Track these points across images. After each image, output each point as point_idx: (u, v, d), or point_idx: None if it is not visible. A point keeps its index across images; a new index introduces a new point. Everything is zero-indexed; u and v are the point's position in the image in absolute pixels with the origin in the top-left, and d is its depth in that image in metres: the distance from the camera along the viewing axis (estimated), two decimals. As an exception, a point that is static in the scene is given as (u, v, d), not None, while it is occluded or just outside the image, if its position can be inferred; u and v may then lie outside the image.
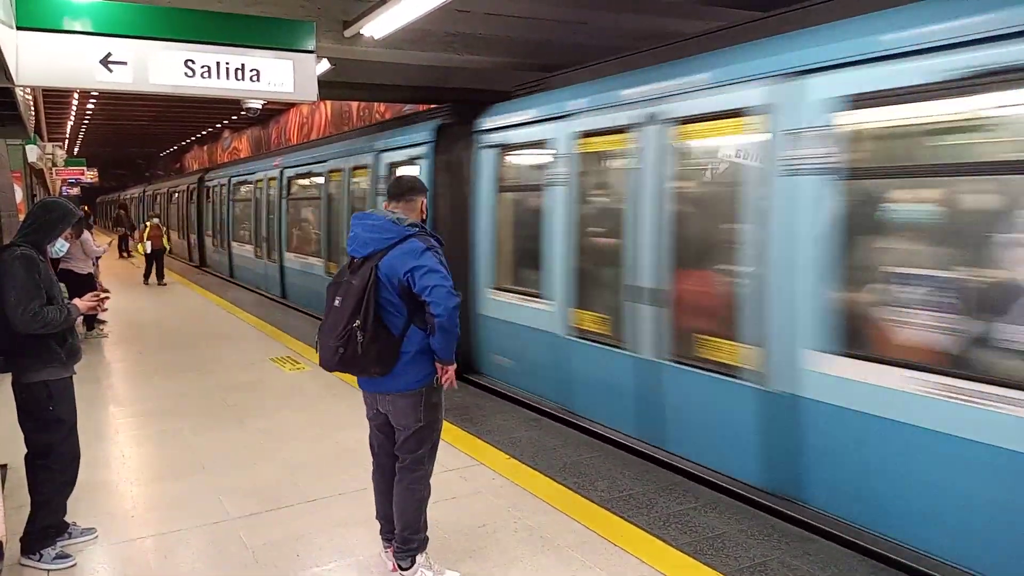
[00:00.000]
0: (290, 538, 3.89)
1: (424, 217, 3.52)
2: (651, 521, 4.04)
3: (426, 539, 3.47)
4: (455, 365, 3.37)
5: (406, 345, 3.26)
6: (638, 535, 3.88)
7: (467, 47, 9.22)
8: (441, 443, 5.21)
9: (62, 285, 4.19)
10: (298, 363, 7.98)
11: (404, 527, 3.40)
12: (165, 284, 15.45)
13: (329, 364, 3.28)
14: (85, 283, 9.35)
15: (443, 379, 3.36)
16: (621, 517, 4.09)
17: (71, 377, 3.77)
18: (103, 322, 10.06)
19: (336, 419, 5.97)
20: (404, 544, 3.40)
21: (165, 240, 15.99)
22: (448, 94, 12.10)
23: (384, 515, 3.57)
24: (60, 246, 3.99)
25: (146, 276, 15.48)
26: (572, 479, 4.62)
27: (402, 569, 3.42)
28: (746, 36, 4.83)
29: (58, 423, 3.69)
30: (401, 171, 8.61)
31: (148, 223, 15.93)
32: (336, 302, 3.26)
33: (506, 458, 4.99)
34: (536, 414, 6.08)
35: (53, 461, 3.70)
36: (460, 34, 9.06)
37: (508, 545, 3.80)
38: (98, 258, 9.93)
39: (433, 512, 4.10)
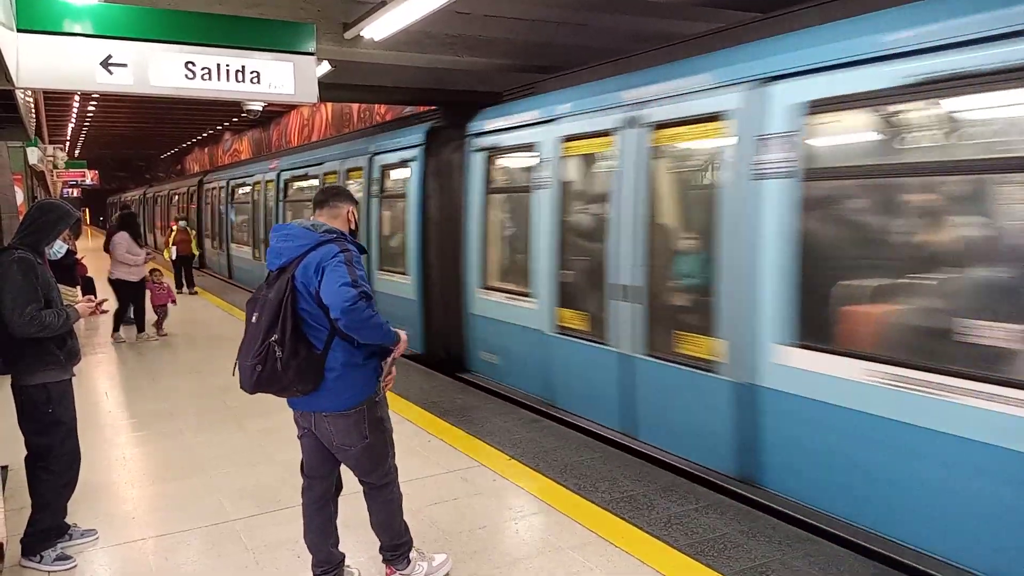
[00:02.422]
0: (290, 540, 3.88)
1: (353, 227, 3.32)
2: (652, 522, 4.03)
3: (410, 537, 3.46)
4: (398, 343, 3.20)
5: (331, 361, 3.06)
6: (639, 536, 3.88)
7: (468, 49, 9.22)
8: (442, 444, 5.27)
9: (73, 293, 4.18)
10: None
11: (390, 537, 3.37)
12: (196, 292, 14.44)
13: (247, 385, 3.08)
14: (137, 290, 9.29)
15: (387, 375, 3.23)
16: (622, 518, 4.08)
17: (70, 379, 3.77)
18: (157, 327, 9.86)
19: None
20: (394, 551, 3.38)
21: (194, 246, 14.80)
22: (449, 96, 12.08)
23: (315, 545, 3.35)
24: (58, 247, 3.99)
25: (178, 285, 14.29)
26: (573, 480, 4.62)
27: (401, 572, 3.41)
28: (721, 44, 5.04)
29: (57, 425, 3.69)
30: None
31: (174, 227, 14.66)
32: (252, 318, 3.08)
33: (506, 459, 4.99)
34: (536, 415, 6.08)
35: (53, 463, 3.70)
36: (461, 36, 9.07)
37: (509, 546, 3.80)
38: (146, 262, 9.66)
39: (434, 513, 4.12)
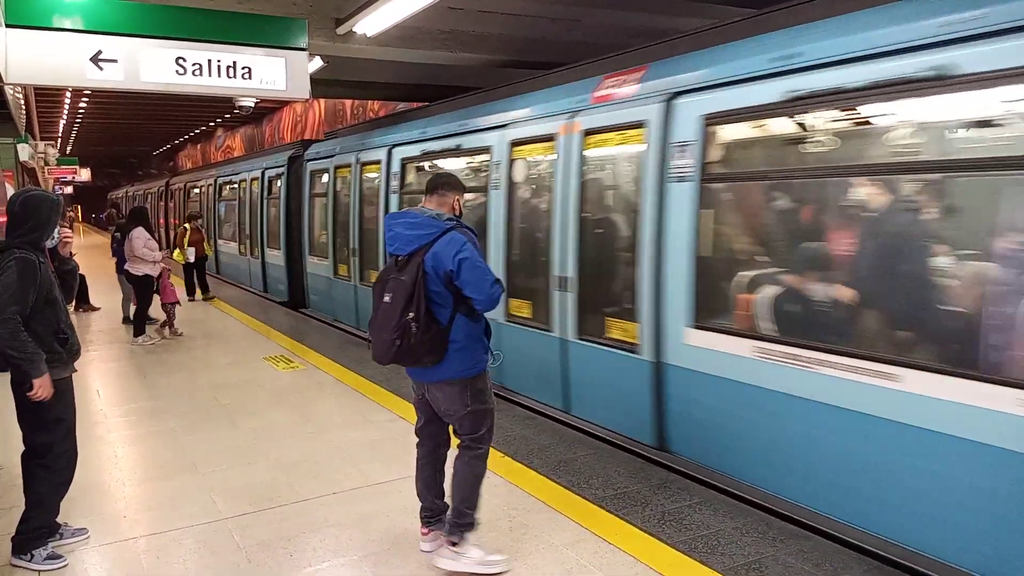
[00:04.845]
0: (283, 538, 3.86)
1: (458, 214, 3.66)
2: (645, 519, 4.03)
3: (477, 521, 3.59)
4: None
5: (454, 333, 3.41)
6: (633, 533, 3.87)
7: (461, 45, 9.22)
8: (435, 442, 5.26)
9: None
10: (292, 362, 7.96)
11: (461, 500, 3.53)
12: (212, 297, 12.92)
13: (384, 357, 3.44)
14: (145, 285, 9.17)
15: None
16: (615, 515, 4.08)
17: (71, 376, 3.75)
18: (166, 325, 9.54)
19: (329, 418, 5.94)
20: (459, 517, 3.53)
21: (207, 246, 13.27)
22: (443, 92, 12.07)
23: (423, 494, 3.72)
24: (57, 235, 3.98)
25: (190, 290, 12.92)
26: (566, 477, 4.61)
27: (452, 544, 3.51)
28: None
29: (58, 423, 3.66)
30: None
31: (187, 226, 12.84)
32: (386, 298, 3.42)
33: (500, 456, 4.98)
34: (530, 412, 6.07)
35: (52, 461, 3.67)
36: (453, 32, 9.06)
37: (503, 543, 3.78)
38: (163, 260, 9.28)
39: (427, 511, 4.10)
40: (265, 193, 13.74)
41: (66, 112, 27.16)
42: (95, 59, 5.46)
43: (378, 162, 9.03)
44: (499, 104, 7.06)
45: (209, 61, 5.69)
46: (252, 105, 6.69)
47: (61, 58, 5.38)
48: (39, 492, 3.67)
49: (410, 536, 3.83)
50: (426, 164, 8.24)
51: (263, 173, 13.87)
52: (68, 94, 22.35)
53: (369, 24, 7.56)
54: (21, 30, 5.23)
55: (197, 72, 5.67)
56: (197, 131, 38.68)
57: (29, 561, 3.61)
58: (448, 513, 3.62)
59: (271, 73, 5.95)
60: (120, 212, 22.01)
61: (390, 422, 5.80)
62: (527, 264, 6.52)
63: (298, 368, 7.70)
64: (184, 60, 5.64)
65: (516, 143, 6.32)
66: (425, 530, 3.69)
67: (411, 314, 3.32)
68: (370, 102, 21.15)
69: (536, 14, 8.84)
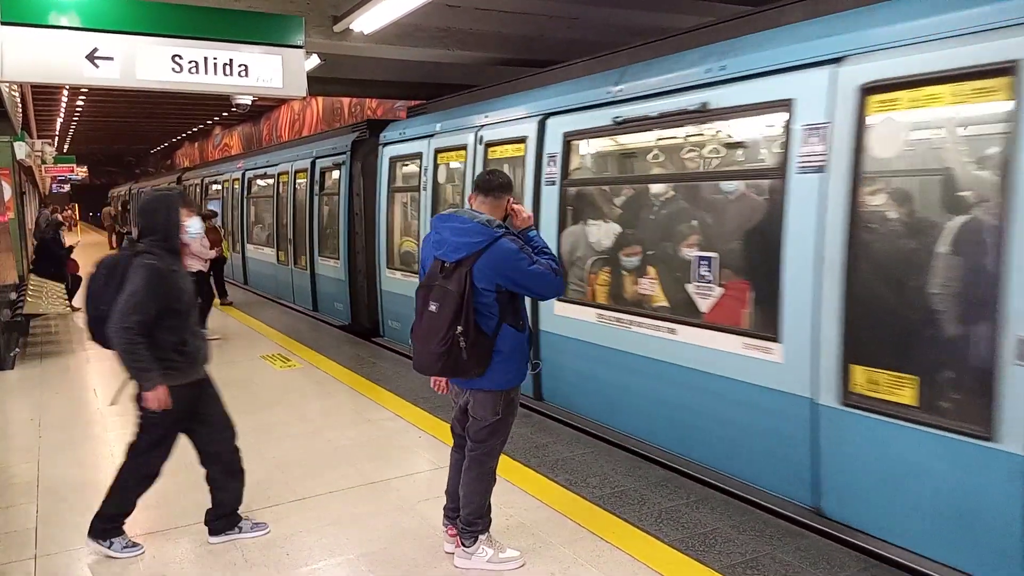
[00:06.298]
0: (280, 537, 3.86)
1: (508, 213, 3.53)
2: (642, 517, 4.03)
3: (489, 521, 3.59)
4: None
5: (499, 344, 3.33)
6: (630, 531, 3.87)
7: (459, 43, 9.19)
8: (432, 439, 5.27)
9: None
10: (288, 360, 7.94)
11: (469, 512, 3.52)
12: (231, 302, 12.04)
13: (429, 370, 3.38)
14: (197, 282, 9.05)
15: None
16: (612, 514, 4.07)
17: (187, 385, 3.71)
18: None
19: (326, 417, 5.93)
20: (468, 526, 3.53)
21: (226, 248, 12.24)
22: (441, 90, 12.04)
23: (452, 494, 3.67)
24: (194, 228, 3.97)
25: (221, 296, 11.87)
26: (563, 476, 4.61)
27: (465, 547, 3.53)
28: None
29: (153, 427, 3.69)
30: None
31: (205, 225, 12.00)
32: (432, 307, 3.28)
33: (498, 455, 4.97)
34: (527, 411, 6.06)
35: (139, 456, 3.73)
36: (451, 29, 9.03)
37: (500, 542, 3.78)
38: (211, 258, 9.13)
39: (425, 509, 4.11)
40: (316, 188, 11.28)
41: (63, 110, 27.08)
42: (91, 56, 5.43)
43: (519, 140, 6.40)
44: (808, 27, 4.15)
45: (205, 59, 5.66)
46: (249, 103, 6.65)
47: (57, 55, 5.35)
48: (119, 480, 3.72)
49: (407, 535, 3.83)
50: (621, 140, 5.78)
51: (313, 163, 11.39)
52: (65, 92, 22.27)
53: (366, 22, 7.54)
54: (17, 27, 5.21)
55: (193, 70, 5.64)
56: (195, 129, 38.62)
57: (108, 547, 3.66)
58: (458, 520, 3.60)
59: (268, 71, 5.92)
60: (128, 210, 20.86)
61: (388, 421, 5.79)
62: (903, 308, 3.74)
63: (295, 367, 7.68)
64: (180, 57, 5.61)
65: (873, 89, 3.63)
66: (453, 530, 3.64)
67: (459, 328, 3.20)
68: (368, 100, 21.12)
69: (534, 12, 8.82)
